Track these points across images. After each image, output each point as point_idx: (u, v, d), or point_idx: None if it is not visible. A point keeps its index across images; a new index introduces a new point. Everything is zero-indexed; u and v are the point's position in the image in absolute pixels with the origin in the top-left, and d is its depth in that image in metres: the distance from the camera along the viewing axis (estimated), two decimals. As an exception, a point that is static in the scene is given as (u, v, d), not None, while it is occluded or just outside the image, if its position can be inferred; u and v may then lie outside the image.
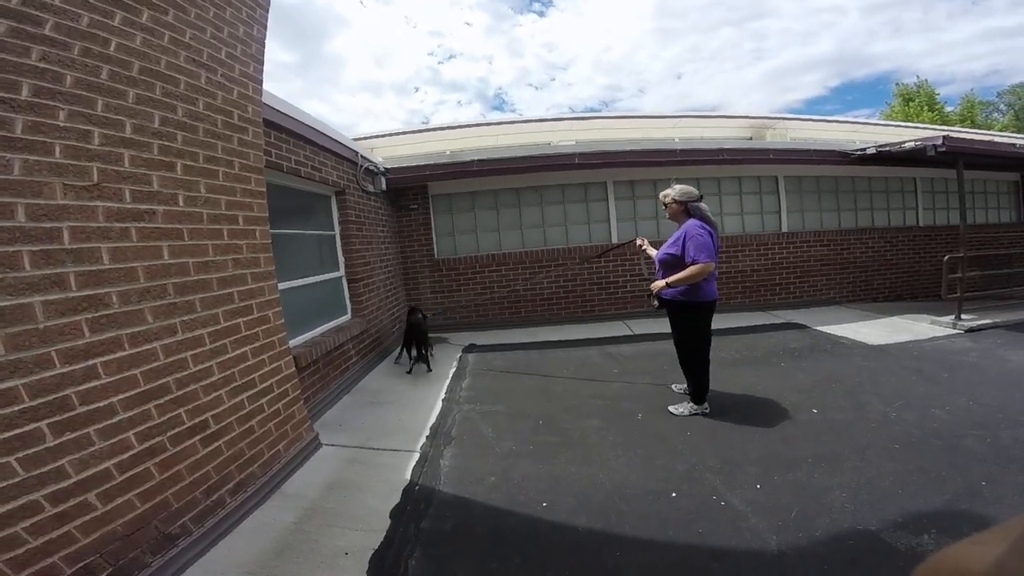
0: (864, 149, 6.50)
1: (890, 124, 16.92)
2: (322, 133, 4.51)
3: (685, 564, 1.96)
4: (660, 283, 3.32)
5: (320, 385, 3.88)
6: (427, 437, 3.31)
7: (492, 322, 6.90)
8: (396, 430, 3.46)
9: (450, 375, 4.73)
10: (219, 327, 2.51)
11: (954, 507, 2.20)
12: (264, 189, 3.04)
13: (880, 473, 2.55)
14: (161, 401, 2.12)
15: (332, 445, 3.20)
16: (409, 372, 4.85)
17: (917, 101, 26.17)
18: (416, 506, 2.48)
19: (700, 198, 3.33)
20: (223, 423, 2.44)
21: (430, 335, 5.22)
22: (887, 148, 6.17)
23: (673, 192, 3.38)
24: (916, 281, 7.61)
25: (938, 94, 27.10)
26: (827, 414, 3.38)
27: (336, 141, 4.81)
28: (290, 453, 2.88)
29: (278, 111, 3.72)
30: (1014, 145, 6.91)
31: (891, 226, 7.68)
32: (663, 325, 3.94)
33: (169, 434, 2.14)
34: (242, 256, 2.78)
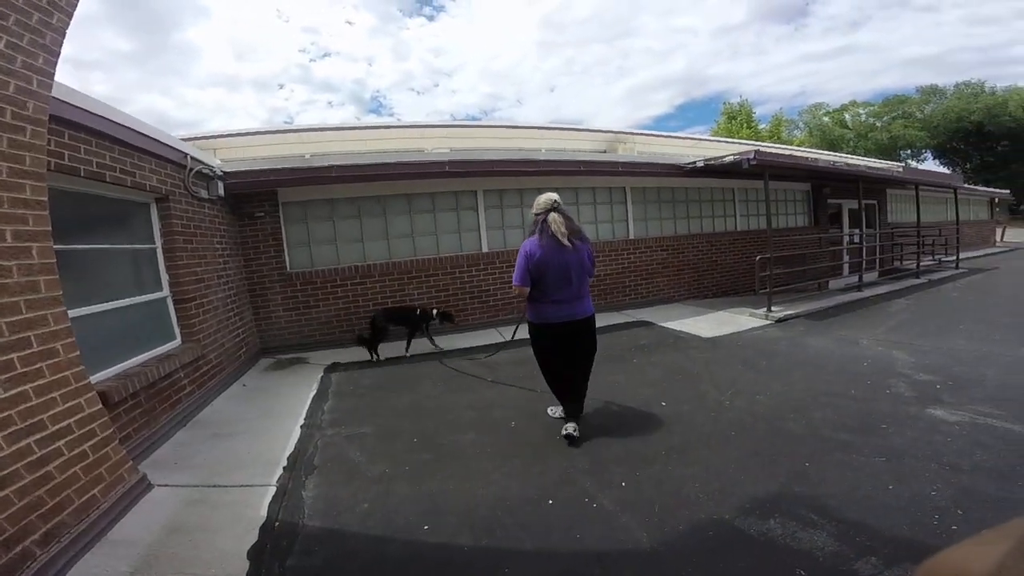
0: (695, 163, 7.42)
1: (718, 140, 19.56)
2: (136, 131, 3.89)
3: (573, 574, 1.99)
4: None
5: (144, 421, 3.43)
6: (284, 468, 3.04)
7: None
8: (246, 463, 3.14)
9: (310, 399, 4.40)
10: (-20, 366, 2.03)
11: (791, 489, 2.46)
12: (45, 198, 2.52)
13: (724, 460, 2.82)
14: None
15: (167, 486, 2.87)
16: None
17: (739, 119, 30.78)
18: (278, 543, 2.27)
19: (551, 208, 3.10)
20: (6, 471, 2.09)
21: (288, 356, 4.88)
22: (712, 162, 7.11)
23: (535, 204, 3.22)
24: (737, 279, 8.89)
25: (755, 113, 32.13)
26: (674, 406, 3.71)
27: (156, 140, 4.20)
28: (110, 498, 2.55)
29: (78, 107, 3.17)
30: (807, 159, 8.41)
31: (716, 231, 8.90)
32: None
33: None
34: (11, 281, 2.28)
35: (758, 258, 6.58)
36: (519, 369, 4.89)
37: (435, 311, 5.95)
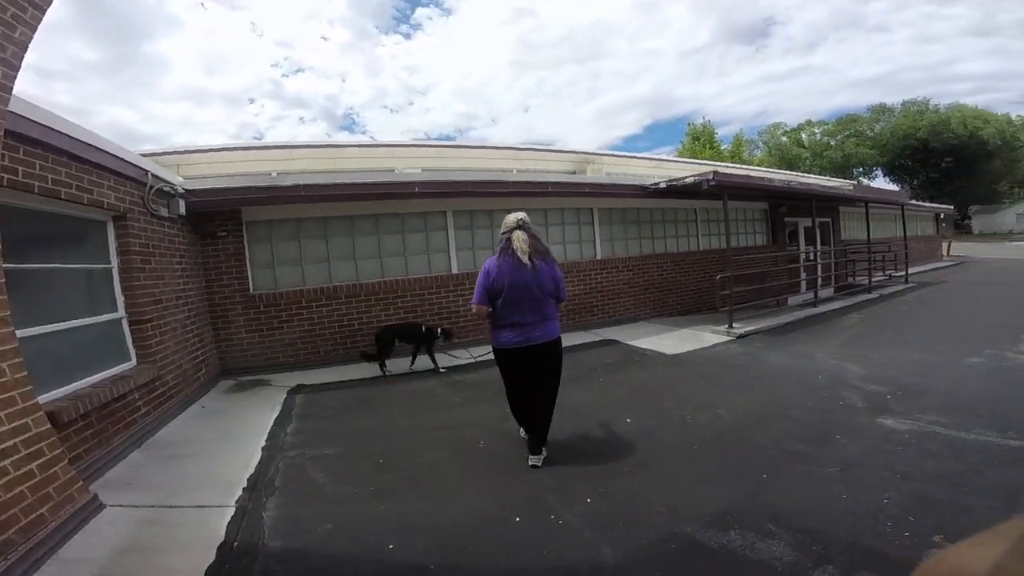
0: (659, 184, 7.66)
1: (682, 160, 20.23)
2: (94, 147, 3.80)
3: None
4: None
5: (96, 442, 3.36)
6: (244, 489, 2.97)
7: (324, 360, 6.39)
8: (203, 485, 3.07)
9: (272, 420, 4.30)
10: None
11: (750, 500, 2.53)
12: (-9, 215, 2.47)
13: (686, 474, 2.89)
14: None
15: (120, 506, 2.80)
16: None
17: (702, 140, 31.99)
18: (237, 563, 2.23)
19: (517, 227, 3.02)
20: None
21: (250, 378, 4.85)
22: (675, 182, 7.35)
23: (503, 223, 3.16)
24: (700, 297, 9.13)
25: (717, 133, 33.46)
26: (639, 422, 3.79)
27: (115, 156, 4.11)
28: (59, 517, 2.52)
29: (35, 122, 3.10)
30: (763, 179, 8.78)
31: (680, 251, 9.17)
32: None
33: None
34: (-46, 301, 2.21)
35: (718, 277, 6.80)
36: (491, 388, 4.85)
37: (439, 329, 6.02)
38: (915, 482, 2.59)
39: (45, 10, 2.73)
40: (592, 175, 13.06)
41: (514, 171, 12.80)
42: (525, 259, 2.92)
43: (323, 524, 2.56)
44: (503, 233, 3.10)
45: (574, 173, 13.92)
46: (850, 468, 2.79)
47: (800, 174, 19.63)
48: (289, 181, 6.20)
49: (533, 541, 2.32)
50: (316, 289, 6.46)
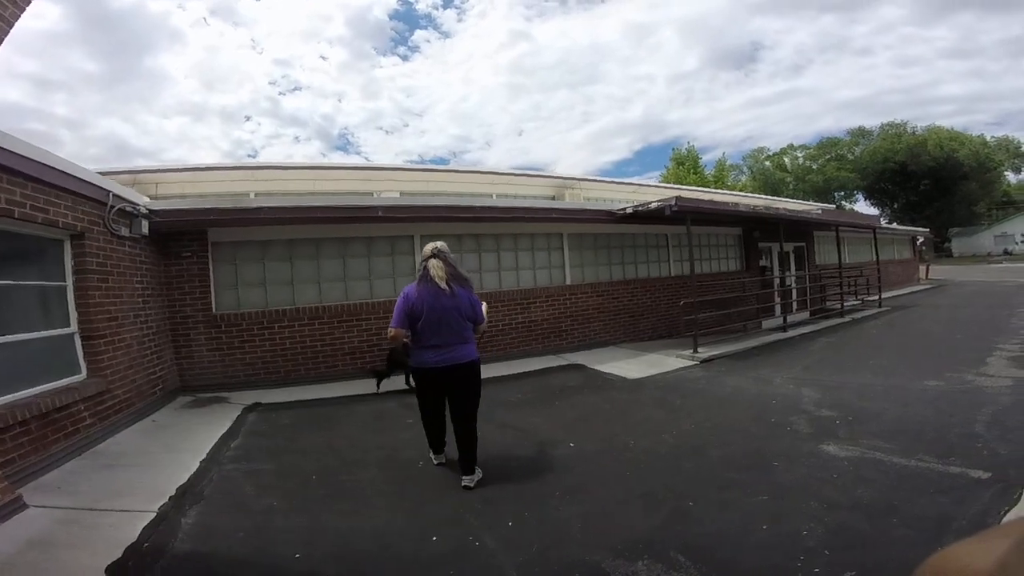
0: (624, 209, 7.77)
1: (660, 186, 20.55)
2: (50, 167, 3.87)
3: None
4: None
5: (32, 448, 3.44)
6: (171, 497, 3.05)
7: (286, 380, 6.34)
8: (132, 492, 3.15)
9: (219, 436, 4.32)
10: None
11: (668, 529, 2.51)
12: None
13: (613, 500, 2.88)
14: None
15: (43, 507, 2.90)
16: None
17: (686, 165, 32.54)
18: (141, 561, 2.32)
19: (432, 255, 3.18)
20: None
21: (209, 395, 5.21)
22: (640, 207, 7.46)
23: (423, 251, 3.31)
24: (671, 322, 9.13)
25: (701, 158, 34.08)
26: (582, 446, 3.79)
27: (73, 177, 4.18)
28: None
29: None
30: (728, 203, 8.92)
31: (651, 276, 9.23)
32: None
33: None
34: None
35: (682, 302, 6.85)
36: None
37: None
38: (841, 512, 2.57)
39: (12, 25, 2.71)
40: (562, 201, 13.24)
41: (493, 195, 12.95)
42: (443, 285, 3.09)
43: (236, 533, 2.62)
44: (421, 261, 3.26)
45: (553, 198, 14.11)
46: (779, 497, 2.78)
47: (777, 199, 19.97)
48: (255, 203, 6.25)
49: (442, 561, 2.32)
50: (278, 311, 6.45)
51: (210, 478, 3.38)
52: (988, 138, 45.72)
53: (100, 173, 5.13)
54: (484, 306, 3.36)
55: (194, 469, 3.53)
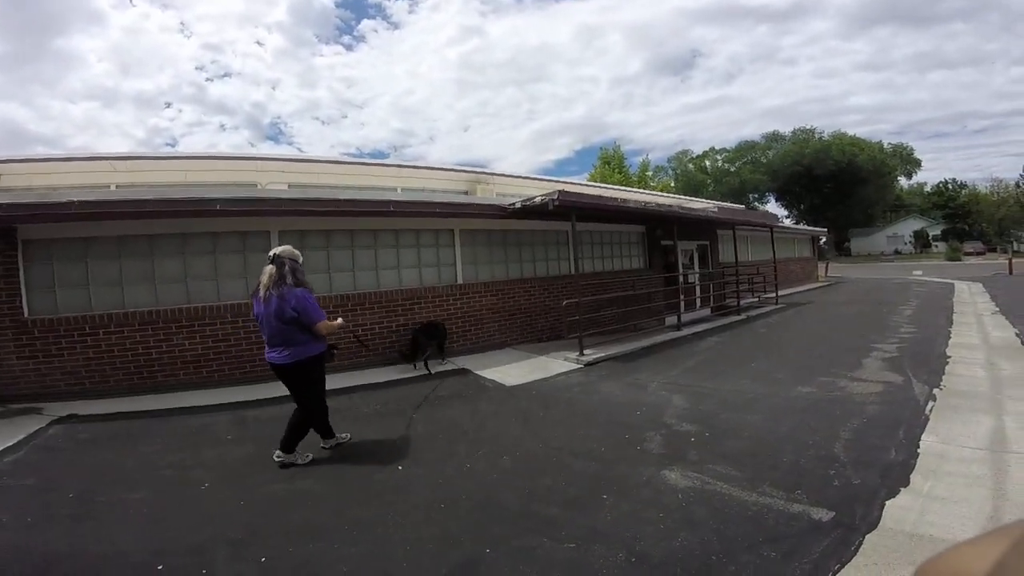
0: (514, 204, 7.35)
1: (580, 183, 20.62)
2: None
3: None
4: None
5: None
6: None
7: (115, 390, 5.53)
8: None
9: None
10: None
11: None
12: None
13: (403, 541, 2.51)
14: None
15: None
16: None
17: (612, 164, 33.08)
18: None
19: (268, 261, 3.47)
20: None
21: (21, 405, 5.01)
22: (528, 202, 7.06)
23: None
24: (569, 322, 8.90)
25: (625, 159, 34.79)
26: (411, 469, 3.42)
27: None
28: None
29: None
30: (615, 199, 8.72)
31: (549, 275, 8.90)
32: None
33: None
34: None
35: (564, 303, 6.52)
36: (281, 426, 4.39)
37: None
38: (645, 569, 2.20)
39: None
40: (481, 195, 12.74)
41: (398, 190, 12.22)
42: (261, 292, 3.39)
43: None
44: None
45: (466, 192, 13.57)
46: (587, 543, 2.42)
47: (691, 199, 20.51)
48: (64, 197, 5.28)
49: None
50: (106, 315, 5.59)
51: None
52: (885, 145, 50.16)
53: None
54: (341, 321, 3.73)
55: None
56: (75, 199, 5.20)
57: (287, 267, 3.40)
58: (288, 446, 3.49)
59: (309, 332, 3.42)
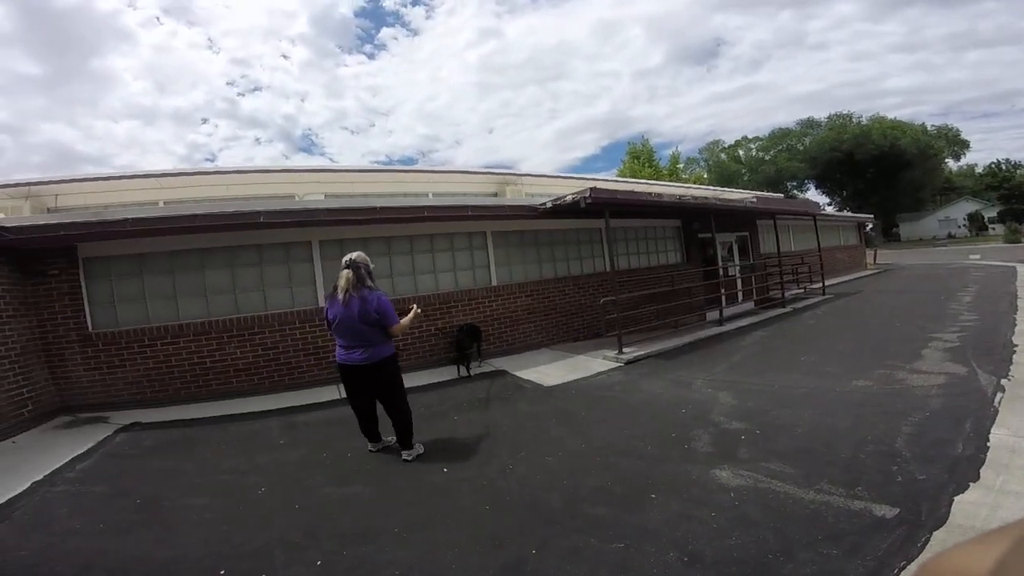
0: (545, 204, 7.32)
1: (610, 179, 20.35)
2: None
3: None
4: None
5: None
6: None
7: (173, 398, 5.82)
8: None
9: (72, 456, 4.20)
10: None
11: None
12: None
13: (450, 543, 2.50)
14: None
15: None
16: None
17: (641, 159, 32.47)
18: None
19: (344, 268, 3.58)
20: None
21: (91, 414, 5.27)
22: (559, 202, 7.02)
23: None
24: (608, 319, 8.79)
25: (655, 152, 34.13)
26: (454, 473, 3.42)
27: None
28: None
29: None
30: (650, 194, 8.55)
31: (584, 273, 8.81)
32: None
33: None
34: None
35: (602, 300, 6.43)
36: (331, 429, 4.56)
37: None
38: (698, 568, 2.14)
39: None
40: (511, 196, 12.75)
41: (430, 195, 12.37)
42: (340, 295, 3.51)
43: (19, 551, 2.62)
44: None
45: (495, 194, 13.63)
46: (637, 543, 2.37)
47: (725, 189, 19.96)
48: (119, 215, 5.60)
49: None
50: (162, 327, 5.89)
51: (31, 499, 3.35)
52: (929, 127, 47.49)
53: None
54: (418, 310, 3.94)
55: (21, 489, 3.50)
56: (129, 216, 5.50)
57: (363, 270, 3.55)
58: (406, 443, 3.67)
59: (385, 333, 3.56)
